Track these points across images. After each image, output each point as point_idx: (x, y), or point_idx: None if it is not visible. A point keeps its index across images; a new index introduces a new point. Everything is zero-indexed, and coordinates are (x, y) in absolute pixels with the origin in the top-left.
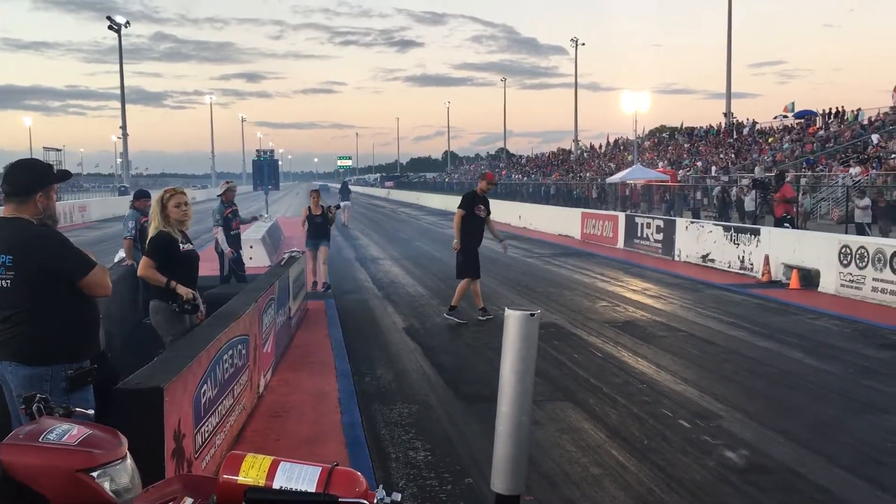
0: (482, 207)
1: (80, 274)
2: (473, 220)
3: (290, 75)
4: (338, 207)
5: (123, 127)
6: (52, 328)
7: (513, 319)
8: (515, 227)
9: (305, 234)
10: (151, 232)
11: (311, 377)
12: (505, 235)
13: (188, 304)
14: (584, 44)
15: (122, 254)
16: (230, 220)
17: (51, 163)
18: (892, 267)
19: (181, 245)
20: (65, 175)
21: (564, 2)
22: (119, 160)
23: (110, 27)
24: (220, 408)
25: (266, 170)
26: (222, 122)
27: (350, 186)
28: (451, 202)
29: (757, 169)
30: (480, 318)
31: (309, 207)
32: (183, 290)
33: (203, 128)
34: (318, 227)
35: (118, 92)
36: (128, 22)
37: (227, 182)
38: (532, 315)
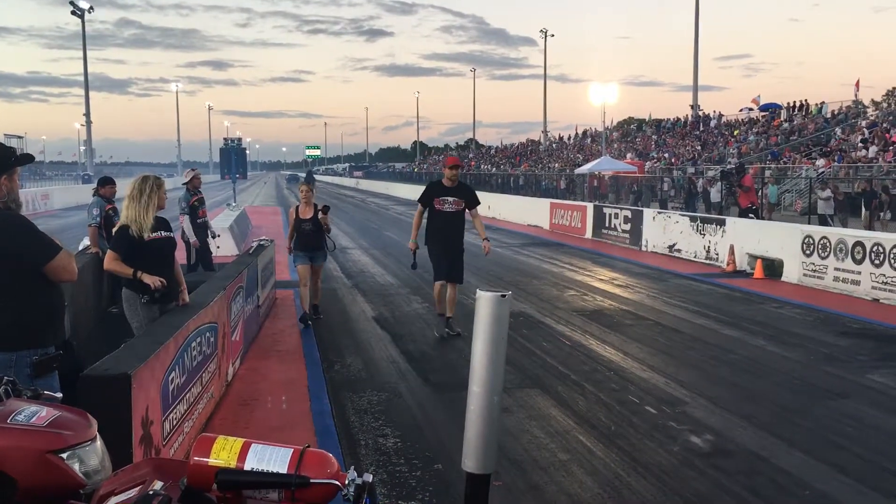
0: (449, 200)
1: (44, 258)
2: (438, 217)
3: (257, 63)
4: (327, 209)
5: (87, 114)
6: (16, 314)
7: (484, 300)
8: (484, 217)
9: (291, 245)
10: (122, 218)
11: (279, 365)
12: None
13: (157, 293)
14: (553, 35)
15: (86, 241)
16: (196, 209)
17: (13, 147)
18: (853, 257)
19: (147, 234)
20: (27, 158)
21: None
22: (82, 148)
23: (73, 13)
24: (188, 395)
25: (233, 158)
26: (188, 110)
27: (317, 176)
28: (420, 192)
29: (733, 160)
30: (446, 332)
31: (296, 208)
32: (149, 279)
33: (169, 116)
34: (310, 235)
35: (81, 79)
36: (91, 7)
37: (193, 170)
38: (503, 296)
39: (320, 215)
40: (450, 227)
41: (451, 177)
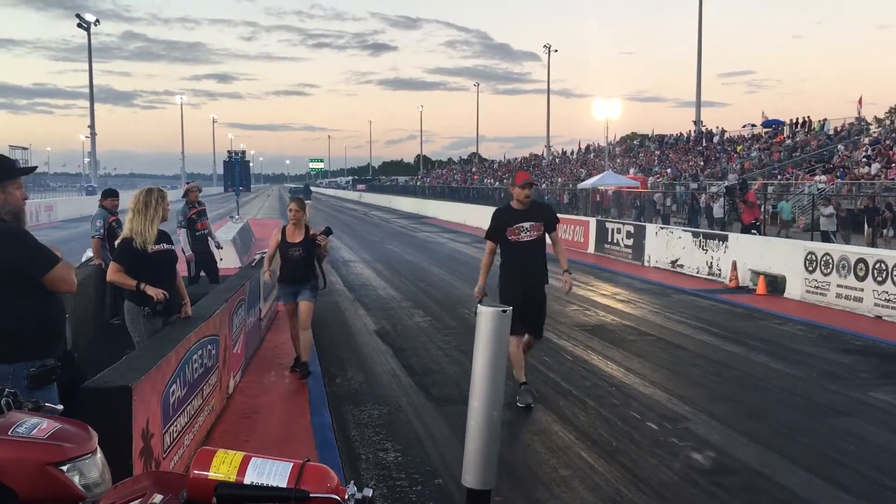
0: (525, 227)
1: (41, 270)
2: (514, 250)
3: (262, 77)
4: (329, 231)
5: (92, 126)
6: (12, 325)
7: (485, 315)
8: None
9: (270, 271)
10: (125, 231)
11: (280, 378)
12: (480, 239)
13: (159, 305)
14: (556, 50)
15: (89, 253)
16: (195, 221)
17: (15, 158)
18: (855, 273)
19: (150, 246)
20: (28, 169)
21: (538, 8)
22: (87, 160)
23: (79, 25)
24: (188, 408)
25: (237, 171)
26: (193, 122)
27: (321, 189)
28: (424, 206)
29: (731, 176)
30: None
31: (283, 230)
32: (152, 291)
33: (173, 128)
34: (297, 264)
35: (87, 91)
36: (97, 20)
37: (188, 182)
38: (504, 311)
39: (320, 238)
40: (531, 260)
41: (524, 198)
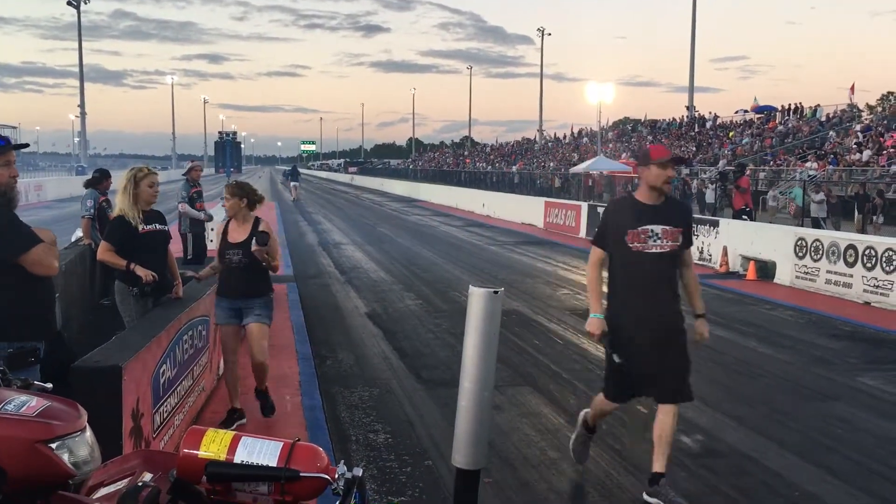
0: (656, 232)
1: (11, 253)
2: (635, 265)
3: (253, 57)
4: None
5: (81, 105)
6: None
7: (476, 296)
8: (479, 214)
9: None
10: (116, 210)
11: (271, 360)
12: (472, 223)
13: (147, 287)
14: (550, 34)
15: (79, 233)
16: (194, 201)
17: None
18: (845, 260)
19: (142, 226)
20: (20, 145)
21: None
22: (77, 139)
23: (69, 3)
24: (179, 388)
25: (228, 151)
26: (184, 103)
27: (313, 172)
28: (415, 189)
29: (722, 162)
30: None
31: (226, 225)
32: (142, 272)
33: (164, 108)
34: (238, 273)
35: (76, 69)
36: None
37: (192, 161)
38: (495, 292)
39: (254, 246)
40: (658, 284)
41: (663, 183)
